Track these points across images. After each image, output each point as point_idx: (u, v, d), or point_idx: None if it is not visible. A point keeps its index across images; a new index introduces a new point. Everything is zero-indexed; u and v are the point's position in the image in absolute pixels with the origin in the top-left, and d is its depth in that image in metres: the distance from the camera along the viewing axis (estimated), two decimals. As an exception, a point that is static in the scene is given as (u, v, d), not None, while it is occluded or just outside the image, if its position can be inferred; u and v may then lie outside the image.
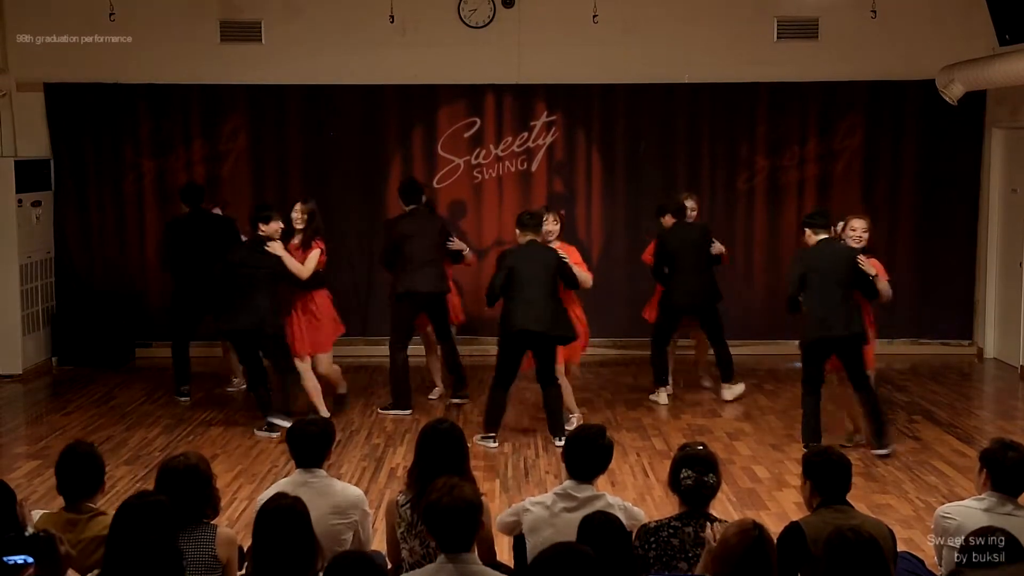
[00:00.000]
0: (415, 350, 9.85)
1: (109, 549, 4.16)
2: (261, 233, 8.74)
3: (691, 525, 4.61)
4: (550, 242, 8.76)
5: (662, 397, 9.80)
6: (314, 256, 8.84)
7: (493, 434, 8.54)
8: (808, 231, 8.28)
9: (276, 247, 8.71)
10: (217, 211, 10.38)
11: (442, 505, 4.14)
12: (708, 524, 4.54)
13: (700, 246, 9.66)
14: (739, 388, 9.96)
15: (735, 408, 9.69)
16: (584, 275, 8.79)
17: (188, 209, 10.06)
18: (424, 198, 9.63)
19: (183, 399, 9.91)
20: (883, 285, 8.16)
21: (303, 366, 8.96)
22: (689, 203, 9.82)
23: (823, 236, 8.22)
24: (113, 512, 4.33)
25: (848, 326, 8.05)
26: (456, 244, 9.69)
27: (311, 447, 5.18)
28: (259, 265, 8.66)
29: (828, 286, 8.08)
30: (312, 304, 8.96)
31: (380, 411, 9.52)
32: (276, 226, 8.76)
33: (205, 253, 9.66)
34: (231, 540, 4.60)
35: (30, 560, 3.62)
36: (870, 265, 8.06)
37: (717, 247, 9.76)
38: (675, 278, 9.62)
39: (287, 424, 8.47)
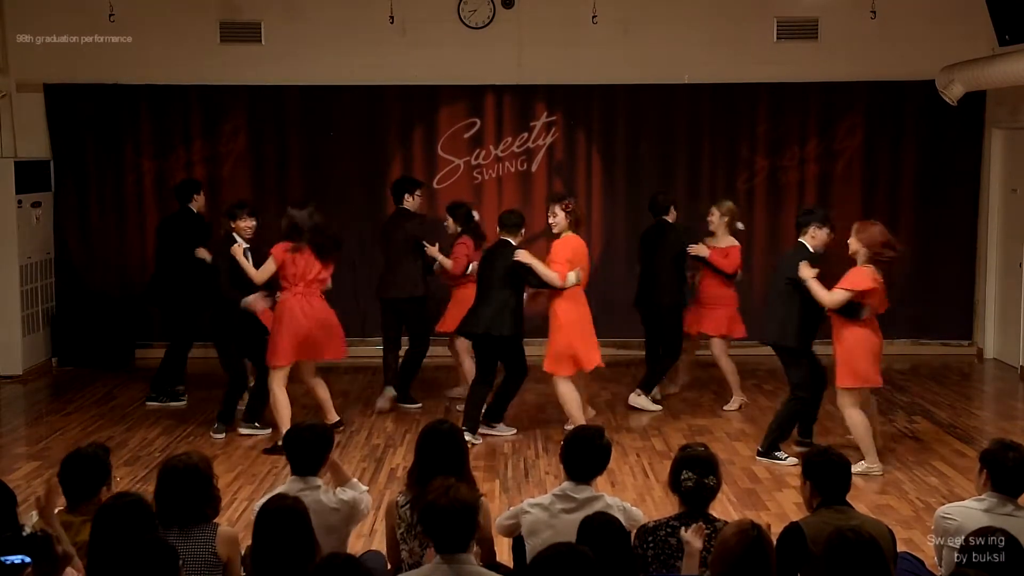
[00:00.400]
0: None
1: (92, 552, 4.17)
2: (232, 231, 8.65)
3: (690, 526, 4.61)
4: (557, 235, 8.57)
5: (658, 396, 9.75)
6: (267, 263, 8.39)
7: (466, 428, 8.24)
8: None
9: (235, 250, 8.52)
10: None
11: (438, 506, 4.14)
12: (683, 527, 4.55)
13: (666, 247, 9.40)
14: (646, 403, 9.55)
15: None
16: (548, 274, 8.30)
17: (179, 206, 9.99)
18: (406, 197, 9.54)
19: (176, 403, 9.83)
20: (819, 293, 7.63)
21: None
22: (713, 209, 9.63)
23: (799, 240, 8.18)
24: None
25: (769, 330, 8.14)
26: (431, 251, 9.34)
27: (304, 453, 5.09)
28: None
29: (771, 289, 8.22)
30: (275, 313, 8.54)
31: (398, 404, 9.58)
32: (243, 224, 8.66)
33: (183, 252, 9.59)
34: (232, 539, 4.59)
35: (27, 560, 3.62)
36: (805, 269, 7.74)
37: (696, 248, 9.39)
38: (640, 275, 9.70)
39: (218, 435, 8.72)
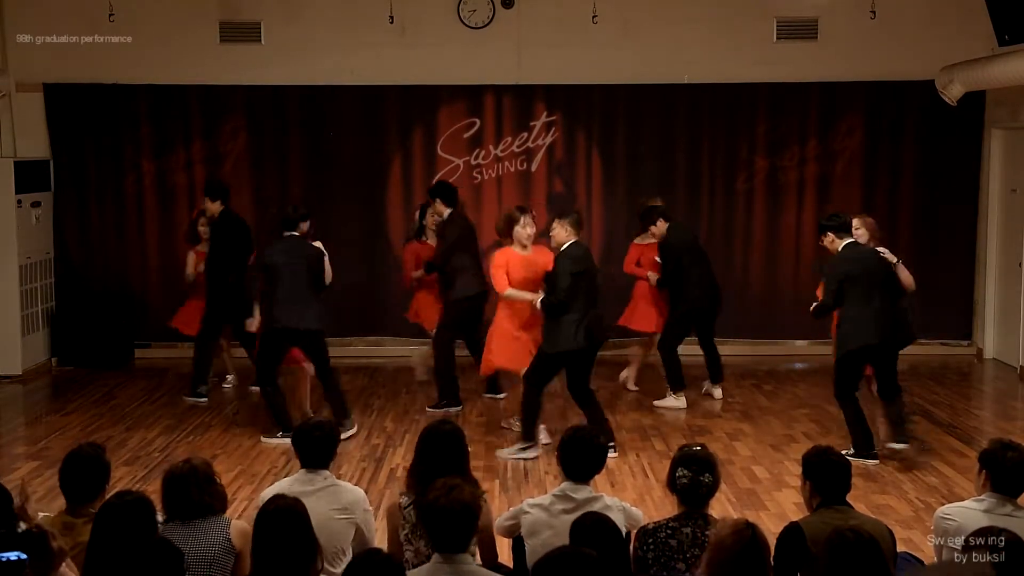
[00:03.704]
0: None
1: (91, 549, 4.18)
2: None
3: (689, 526, 4.61)
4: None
5: (681, 401, 9.68)
6: None
7: (531, 443, 8.22)
8: (831, 235, 8.01)
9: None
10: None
11: (439, 506, 4.15)
12: (707, 526, 4.55)
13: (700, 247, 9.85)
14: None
15: (735, 409, 9.68)
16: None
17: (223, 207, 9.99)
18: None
19: (201, 400, 9.83)
20: (904, 274, 7.94)
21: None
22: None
23: (848, 240, 7.99)
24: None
25: (892, 330, 7.92)
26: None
27: (316, 449, 5.18)
28: None
29: (870, 291, 7.86)
30: None
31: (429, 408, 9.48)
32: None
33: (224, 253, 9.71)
34: (246, 532, 4.61)
35: (23, 556, 3.62)
36: (890, 254, 7.96)
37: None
38: (688, 278, 9.53)
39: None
